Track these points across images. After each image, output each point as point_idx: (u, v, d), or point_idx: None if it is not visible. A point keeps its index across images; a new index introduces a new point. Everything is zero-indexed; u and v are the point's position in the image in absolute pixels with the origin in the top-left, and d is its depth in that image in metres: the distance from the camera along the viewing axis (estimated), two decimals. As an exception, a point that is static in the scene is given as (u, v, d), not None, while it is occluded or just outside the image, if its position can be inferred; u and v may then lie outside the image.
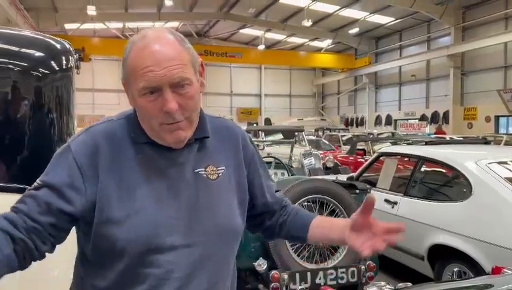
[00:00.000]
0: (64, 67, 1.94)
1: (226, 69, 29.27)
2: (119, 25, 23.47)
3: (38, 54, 1.89)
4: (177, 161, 1.04)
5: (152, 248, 0.98)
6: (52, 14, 19.78)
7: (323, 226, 1.19)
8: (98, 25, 22.24)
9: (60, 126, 1.91)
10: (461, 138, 12.10)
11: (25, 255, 0.93)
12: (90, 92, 26.54)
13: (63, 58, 1.95)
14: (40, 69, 1.85)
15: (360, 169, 5.12)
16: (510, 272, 1.81)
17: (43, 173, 1.00)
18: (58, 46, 1.96)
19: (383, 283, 1.74)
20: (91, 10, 17.84)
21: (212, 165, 1.08)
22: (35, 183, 0.99)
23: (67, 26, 21.82)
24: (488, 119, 18.95)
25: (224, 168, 1.09)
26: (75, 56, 2.06)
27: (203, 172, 1.06)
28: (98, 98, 27.01)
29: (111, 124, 1.05)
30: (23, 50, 1.88)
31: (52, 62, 1.91)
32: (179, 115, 0.97)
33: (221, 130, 1.14)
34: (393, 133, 16.79)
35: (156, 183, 1.01)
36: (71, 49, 2.03)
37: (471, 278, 2.45)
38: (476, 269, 3.12)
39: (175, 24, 24.27)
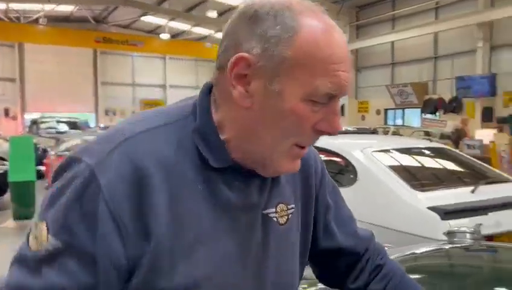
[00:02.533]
0: None
1: (128, 58, 27.84)
2: (2, 5, 21.03)
3: None
4: (250, 199, 0.74)
5: None
6: None
7: None
8: (-24, 4, 19.73)
9: None
10: (354, 129, 13.05)
11: None
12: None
13: None
14: None
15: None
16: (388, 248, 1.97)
17: (53, 221, 0.61)
18: None
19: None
20: (-34, -14, 15.75)
21: (282, 204, 0.80)
22: (48, 246, 0.60)
23: None
24: (378, 112, 20.67)
25: (293, 206, 0.82)
26: None
27: (274, 214, 0.79)
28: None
29: (160, 136, 0.68)
30: None
31: None
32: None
33: None
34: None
35: (226, 235, 0.71)
36: None
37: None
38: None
39: (69, 8, 22.46)
